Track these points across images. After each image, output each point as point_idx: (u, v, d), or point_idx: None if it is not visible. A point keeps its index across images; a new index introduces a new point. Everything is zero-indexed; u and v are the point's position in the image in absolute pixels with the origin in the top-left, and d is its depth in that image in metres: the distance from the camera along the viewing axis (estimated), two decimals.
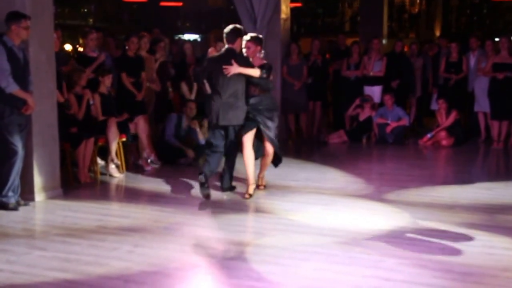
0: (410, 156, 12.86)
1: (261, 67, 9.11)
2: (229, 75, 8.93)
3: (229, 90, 9.04)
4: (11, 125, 8.33)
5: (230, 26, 9.33)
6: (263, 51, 9.54)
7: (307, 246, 7.02)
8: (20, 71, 8.32)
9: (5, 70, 8.10)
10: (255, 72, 8.97)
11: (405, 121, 14.01)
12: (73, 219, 8.10)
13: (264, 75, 9.03)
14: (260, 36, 9.60)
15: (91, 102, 10.39)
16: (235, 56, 9.10)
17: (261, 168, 9.73)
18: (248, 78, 9.07)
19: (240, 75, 8.98)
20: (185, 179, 10.48)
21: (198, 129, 12.00)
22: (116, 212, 8.65)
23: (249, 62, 9.17)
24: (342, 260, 6.55)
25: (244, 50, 9.22)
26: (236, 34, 9.22)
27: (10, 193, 8.45)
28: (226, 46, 9.22)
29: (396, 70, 14.57)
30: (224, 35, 9.23)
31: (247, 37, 9.26)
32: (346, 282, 5.95)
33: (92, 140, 10.13)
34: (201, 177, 8.83)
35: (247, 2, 14.14)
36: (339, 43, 16.32)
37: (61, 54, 10.83)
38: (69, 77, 10.16)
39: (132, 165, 11.43)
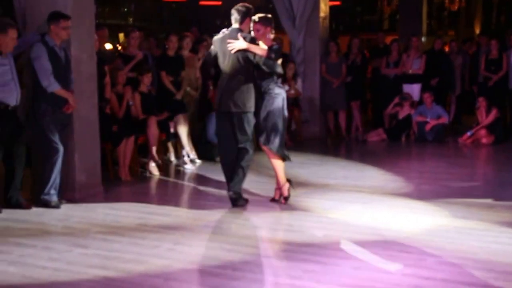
0: (450, 154, 12.78)
1: (269, 48, 8.38)
2: (233, 52, 8.32)
3: (234, 71, 8.43)
4: (53, 124, 8.43)
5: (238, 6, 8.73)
6: (273, 31, 8.74)
7: (346, 244, 7.02)
8: (62, 71, 8.41)
9: (47, 69, 8.19)
10: (261, 50, 8.26)
11: (445, 119, 13.95)
12: (114, 217, 8.16)
13: (272, 55, 8.26)
14: (269, 16, 8.76)
15: (130, 103, 10.45)
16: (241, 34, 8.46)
17: (275, 174, 8.84)
18: (255, 63, 8.35)
19: (246, 55, 8.32)
20: (223, 178, 10.49)
21: None
22: (156, 210, 8.68)
23: (255, 43, 8.43)
24: (381, 259, 6.51)
25: (252, 33, 8.53)
26: (245, 14, 8.60)
27: (52, 191, 8.55)
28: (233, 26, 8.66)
29: (436, 68, 14.50)
30: (232, 15, 8.68)
31: (255, 18, 8.61)
32: (385, 281, 5.91)
33: (132, 138, 10.21)
34: (231, 194, 8.52)
35: (286, 0, 14.16)
36: (378, 41, 16.28)
37: (106, 53, 10.93)
38: (111, 76, 10.25)
39: (172, 163, 11.46)
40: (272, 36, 8.68)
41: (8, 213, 8.25)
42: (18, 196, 8.49)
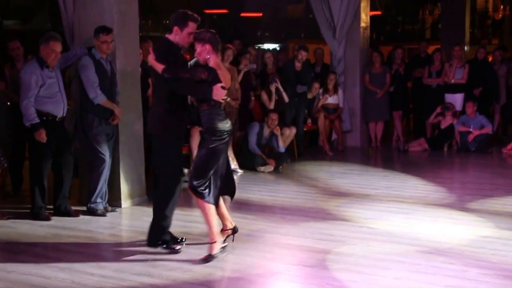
0: (494, 164, 12.69)
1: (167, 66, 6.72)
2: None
3: (154, 89, 7.91)
4: (99, 135, 8.58)
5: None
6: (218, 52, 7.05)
7: (388, 254, 7.01)
8: (108, 83, 8.57)
9: (94, 82, 8.36)
10: (159, 67, 6.73)
11: (488, 129, 13.85)
12: None
13: (165, 74, 6.71)
14: (206, 31, 6.94)
15: None
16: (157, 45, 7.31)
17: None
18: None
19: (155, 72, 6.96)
20: (266, 187, 10.58)
21: (279, 135, 12.07)
22: (199, 219, 8.71)
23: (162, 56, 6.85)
24: (424, 269, 6.51)
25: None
26: (173, 22, 6.96)
27: (99, 200, 8.72)
28: None
29: (479, 77, 14.42)
30: None
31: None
32: None
33: None
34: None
35: (326, 11, 14.20)
36: (419, 51, 16.23)
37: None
38: None
39: None
40: (214, 57, 6.78)
41: (57, 220, 8.45)
42: (67, 205, 8.68)
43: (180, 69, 6.77)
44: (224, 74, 6.78)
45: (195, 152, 10.73)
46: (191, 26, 6.89)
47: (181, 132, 7.47)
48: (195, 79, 6.63)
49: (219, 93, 6.61)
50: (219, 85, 6.55)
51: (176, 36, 6.86)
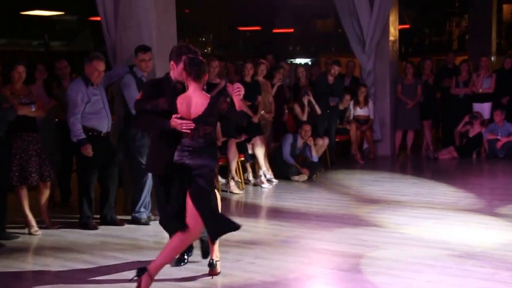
0: None
1: None
2: None
3: None
4: (142, 147, 8.64)
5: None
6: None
7: (420, 258, 6.98)
8: None
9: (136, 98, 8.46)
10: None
11: None
12: None
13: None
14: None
15: None
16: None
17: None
18: None
19: None
20: (300, 195, 10.61)
21: (312, 145, 12.10)
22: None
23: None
24: (456, 273, 6.48)
25: None
26: (169, 56, 6.54)
27: (142, 209, 8.81)
28: None
29: (506, 86, 14.34)
30: None
31: None
32: None
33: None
34: None
35: (356, 25, 14.23)
36: (447, 62, 16.18)
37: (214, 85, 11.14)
38: None
39: (251, 183, 11.61)
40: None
41: (104, 229, 8.57)
42: (113, 214, 8.79)
43: (145, 102, 6.19)
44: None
45: (233, 163, 10.83)
46: None
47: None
48: (158, 111, 6.05)
49: (176, 124, 5.85)
50: (174, 116, 5.85)
51: (172, 71, 6.40)
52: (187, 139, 5.79)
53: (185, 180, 5.90)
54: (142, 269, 5.78)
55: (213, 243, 6.42)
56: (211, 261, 6.46)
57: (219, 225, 6.14)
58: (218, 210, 6.55)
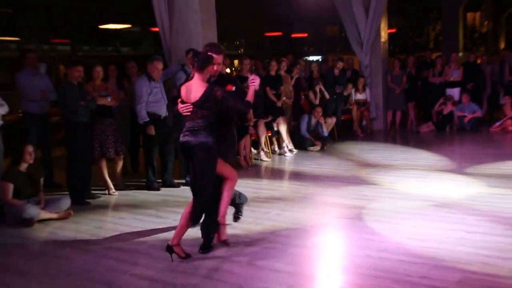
0: (484, 139, 12.45)
1: None
2: None
3: None
4: None
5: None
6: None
7: (406, 208, 6.99)
8: None
9: None
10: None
11: (479, 114, 13.70)
12: None
13: None
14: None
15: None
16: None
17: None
18: None
19: None
20: (314, 161, 10.58)
21: (323, 123, 12.06)
22: (266, 186, 8.81)
23: None
24: (433, 218, 6.48)
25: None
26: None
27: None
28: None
29: (471, 75, 14.23)
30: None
31: None
32: (437, 235, 5.89)
33: (248, 135, 10.36)
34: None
35: (355, 31, 14.18)
36: (425, 57, 16.06)
37: (228, 76, 11.10)
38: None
39: (276, 153, 11.53)
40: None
41: (164, 190, 8.62)
42: (171, 179, 8.79)
43: (172, 92, 6.11)
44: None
45: (262, 138, 10.82)
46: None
47: None
48: (173, 97, 5.77)
49: (178, 107, 5.53)
50: (178, 100, 5.53)
51: None
52: (189, 121, 5.39)
53: (190, 157, 5.48)
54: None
55: (192, 225, 5.54)
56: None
57: (204, 212, 5.60)
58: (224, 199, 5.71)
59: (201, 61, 5.38)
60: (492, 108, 14.88)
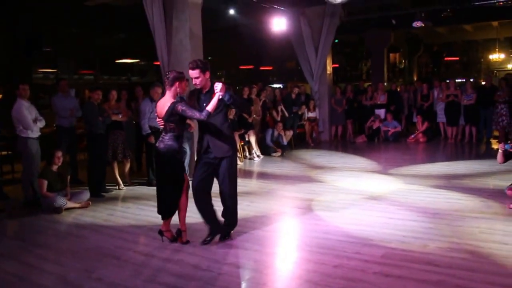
0: (402, 148, 12.53)
1: None
2: None
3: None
4: (184, 137, 8.51)
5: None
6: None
7: (345, 200, 6.97)
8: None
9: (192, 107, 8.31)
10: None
11: (399, 128, 13.74)
12: (217, 188, 7.97)
13: None
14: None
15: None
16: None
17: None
18: None
19: None
20: (276, 165, 10.53)
21: (283, 135, 12.01)
22: (240, 183, 8.52)
23: None
24: (365, 208, 6.49)
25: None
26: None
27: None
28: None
29: (393, 100, 14.30)
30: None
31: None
32: (367, 220, 5.90)
33: None
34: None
35: (308, 65, 14.21)
36: (359, 86, 16.13)
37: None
38: None
39: (247, 157, 11.46)
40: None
41: None
42: None
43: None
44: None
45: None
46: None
47: None
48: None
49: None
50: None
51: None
52: (163, 133, 4.99)
53: (157, 160, 5.07)
54: (179, 232, 5.17)
55: (163, 218, 5.17)
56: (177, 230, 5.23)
57: (168, 206, 5.11)
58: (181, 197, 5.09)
59: (169, 79, 4.92)
60: (408, 124, 15.01)
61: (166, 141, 4.91)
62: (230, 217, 5.34)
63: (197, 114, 4.78)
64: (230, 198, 5.24)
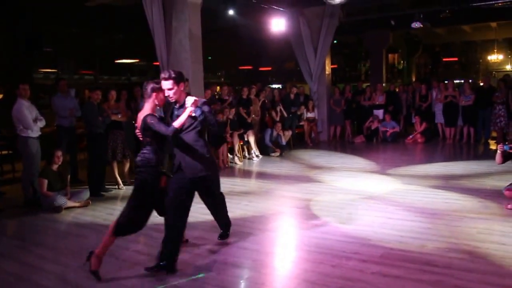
0: (401, 148, 12.55)
1: None
2: None
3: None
4: None
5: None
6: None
7: (343, 200, 6.97)
8: None
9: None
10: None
11: (397, 129, 13.74)
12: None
13: None
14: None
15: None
16: None
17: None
18: None
19: None
20: (275, 164, 10.52)
21: (282, 135, 12.01)
22: (239, 183, 8.74)
23: None
24: (363, 207, 6.49)
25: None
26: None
27: None
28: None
29: (391, 100, 14.31)
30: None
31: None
32: (365, 218, 5.91)
33: (225, 144, 10.27)
34: None
35: (307, 66, 14.20)
36: (358, 86, 16.10)
37: (214, 99, 11.08)
38: (215, 111, 10.35)
39: (247, 157, 11.46)
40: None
41: None
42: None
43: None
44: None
45: (236, 146, 10.74)
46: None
47: None
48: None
49: None
50: None
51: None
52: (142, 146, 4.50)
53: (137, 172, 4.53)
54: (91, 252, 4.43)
55: (116, 235, 4.44)
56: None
57: (130, 223, 4.45)
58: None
59: (146, 91, 4.44)
60: (406, 125, 15.03)
61: (145, 154, 4.43)
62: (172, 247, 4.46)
63: (163, 129, 4.27)
64: (220, 208, 5.05)
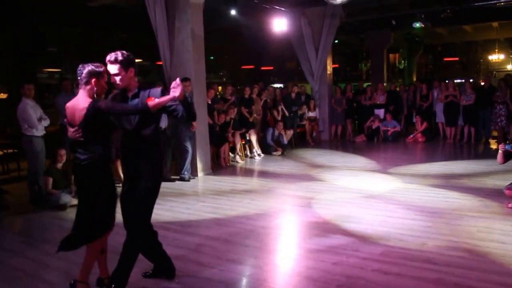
0: (401, 147, 12.55)
1: None
2: None
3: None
4: (185, 136, 8.58)
5: None
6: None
7: (344, 199, 6.98)
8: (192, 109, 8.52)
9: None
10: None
11: (398, 128, 13.74)
12: (218, 186, 8.24)
13: None
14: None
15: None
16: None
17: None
18: None
19: None
20: (277, 163, 10.53)
21: (284, 134, 12.02)
22: (241, 181, 8.75)
23: None
24: (364, 206, 6.50)
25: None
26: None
27: (186, 172, 8.70)
28: None
29: (392, 100, 14.31)
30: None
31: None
32: (366, 217, 5.92)
33: (227, 143, 10.30)
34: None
35: (308, 65, 14.20)
36: (359, 86, 16.12)
37: (217, 98, 11.08)
38: (218, 110, 10.36)
39: (248, 156, 11.49)
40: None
41: (162, 184, 8.19)
42: (168, 175, 8.64)
43: None
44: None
45: (237, 145, 10.75)
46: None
47: None
48: None
49: None
50: None
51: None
52: (79, 145, 3.80)
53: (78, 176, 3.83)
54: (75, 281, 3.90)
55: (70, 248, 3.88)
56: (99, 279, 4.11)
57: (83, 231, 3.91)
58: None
59: (83, 75, 3.68)
60: (407, 124, 15.03)
61: (89, 151, 3.63)
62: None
63: (131, 107, 3.56)
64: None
